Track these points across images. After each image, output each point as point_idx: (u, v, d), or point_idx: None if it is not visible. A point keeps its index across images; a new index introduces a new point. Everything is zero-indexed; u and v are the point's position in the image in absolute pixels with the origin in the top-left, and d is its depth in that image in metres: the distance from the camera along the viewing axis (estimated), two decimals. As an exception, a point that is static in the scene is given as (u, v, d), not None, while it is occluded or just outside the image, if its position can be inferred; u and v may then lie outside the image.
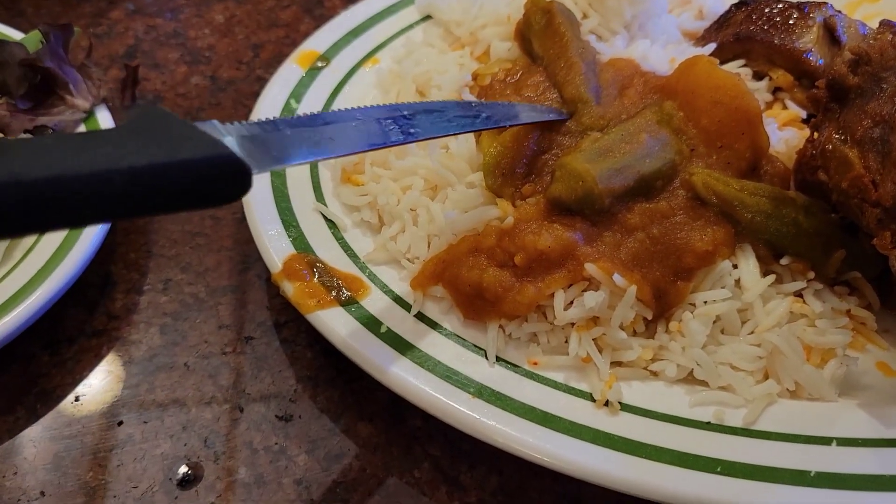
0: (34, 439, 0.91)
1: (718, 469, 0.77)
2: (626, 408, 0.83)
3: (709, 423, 0.82)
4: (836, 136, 0.89)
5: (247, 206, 1.01)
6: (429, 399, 0.82)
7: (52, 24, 1.16)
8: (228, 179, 0.56)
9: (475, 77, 1.10)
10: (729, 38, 1.17)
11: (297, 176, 1.07)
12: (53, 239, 1.00)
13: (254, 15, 1.62)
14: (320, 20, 1.53)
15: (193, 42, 1.55)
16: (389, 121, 0.81)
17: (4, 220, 0.46)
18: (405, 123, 0.82)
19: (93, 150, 0.50)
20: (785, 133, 1.04)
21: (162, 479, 0.87)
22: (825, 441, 0.80)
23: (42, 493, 0.86)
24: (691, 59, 0.98)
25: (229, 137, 0.61)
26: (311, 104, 1.17)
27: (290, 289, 0.92)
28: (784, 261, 0.91)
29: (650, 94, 1.01)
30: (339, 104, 1.19)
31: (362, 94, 1.21)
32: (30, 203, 0.46)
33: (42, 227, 0.49)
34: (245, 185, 0.57)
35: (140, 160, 0.50)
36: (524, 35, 1.12)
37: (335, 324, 0.89)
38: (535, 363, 0.87)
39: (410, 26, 1.33)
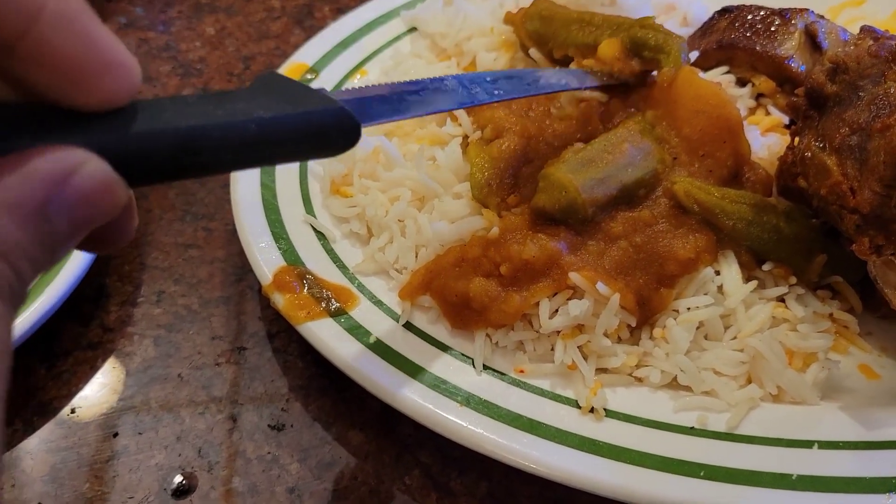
0: (31, 451, 0.92)
1: (701, 473, 0.78)
2: (611, 414, 0.85)
3: (692, 427, 0.83)
4: (816, 144, 0.91)
5: (237, 219, 1.02)
6: (418, 408, 0.84)
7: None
8: (342, 129, 0.64)
9: (462, 88, 1.11)
10: (712, 45, 1.19)
11: (286, 188, 1.08)
12: (48, 253, 1.01)
13: (244, 27, 1.64)
14: (310, 31, 1.55)
15: (185, 55, 1.57)
16: (475, 84, 0.87)
17: (160, 164, 0.52)
18: (489, 87, 0.89)
19: (229, 104, 0.57)
20: (767, 139, 1.06)
21: (157, 489, 0.89)
22: (807, 444, 0.81)
23: (39, 505, 0.87)
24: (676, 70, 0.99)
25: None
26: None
27: (280, 301, 0.93)
28: (766, 266, 0.92)
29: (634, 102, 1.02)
30: (329, 116, 1.20)
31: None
32: (180, 148, 0.53)
33: (187, 172, 0.55)
34: (356, 135, 0.65)
35: (268, 112, 0.58)
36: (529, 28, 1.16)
37: (325, 335, 0.90)
38: (522, 371, 0.89)
39: (398, 38, 1.34)
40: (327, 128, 0.63)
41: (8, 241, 0.40)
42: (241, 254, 1.12)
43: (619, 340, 0.91)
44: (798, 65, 1.13)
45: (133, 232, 0.56)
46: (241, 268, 1.13)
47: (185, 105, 0.55)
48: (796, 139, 0.95)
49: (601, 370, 0.89)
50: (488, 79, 0.90)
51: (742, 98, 1.12)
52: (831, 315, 0.93)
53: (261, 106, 0.59)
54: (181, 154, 0.54)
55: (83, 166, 0.43)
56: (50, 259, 0.44)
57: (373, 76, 1.27)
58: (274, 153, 0.62)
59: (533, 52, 1.16)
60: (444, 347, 0.91)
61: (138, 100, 0.52)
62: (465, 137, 1.07)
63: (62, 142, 0.45)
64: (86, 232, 0.46)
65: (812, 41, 1.16)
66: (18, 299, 0.43)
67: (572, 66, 1.10)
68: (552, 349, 0.89)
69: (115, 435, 0.94)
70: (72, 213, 0.43)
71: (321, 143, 0.64)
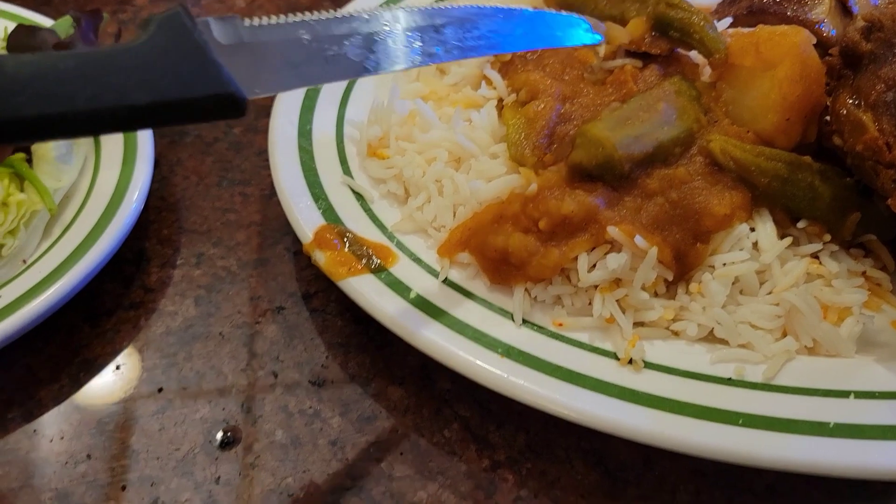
0: (79, 406, 0.94)
1: (740, 421, 0.79)
2: (649, 365, 0.86)
3: (730, 378, 0.85)
4: (850, 101, 0.91)
5: (276, 181, 1.04)
6: (459, 360, 0.85)
7: (82, 10, 1.19)
8: (226, 110, 0.61)
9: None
10: (742, 11, 1.19)
11: (324, 151, 1.10)
12: (90, 217, 1.03)
13: (274, 0, 1.65)
14: (339, 4, 1.56)
15: (216, 27, 1.58)
16: (417, 34, 0.78)
17: (14, 135, 0.53)
18: (432, 39, 0.79)
19: (104, 79, 0.54)
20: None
21: (202, 441, 0.91)
22: (843, 394, 0.83)
23: (88, 456, 0.89)
24: (791, 29, 0.98)
25: (233, 47, 0.64)
26: (332, 86, 1.19)
27: (321, 258, 0.95)
28: (801, 224, 0.93)
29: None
30: (360, 88, 1.20)
31: (383, 76, 1.23)
32: (36, 131, 0.53)
33: (45, 140, 0.58)
34: (240, 113, 0.62)
35: (144, 97, 0.56)
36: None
37: (366, 290, 0.92)
38: (561, 324, 0.90)
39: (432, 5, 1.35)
40: (210, 109, 0.61)
41: None
42: (278, 218, 1.15)
43: (656, 295, 0.92)
44: (829, 29, 1.13)
45: None
46: (278, 231, 1.15)
47: (51, 79, 0.53)
48: (829, 99, 0.96)
49: (638, 324, 0.90)
50: (438, 21, 0.80)
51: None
52: (864, 273, 0.94)
53: (139, 85, 0.56)
54: (37, 132, 0.54)
55: None
56: None
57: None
58: (144, 126, 0.61)
59: None
60: (483, 302, 0.92)
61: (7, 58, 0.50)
62: (500, 100, 1.08)
63: None
64: None
65: (842, 6, 1.16)
66: None
67: None
68: (590, 303, 0.91)
69: (160, 390, 0.96)
70: None
71: (200, 118, 0.62)
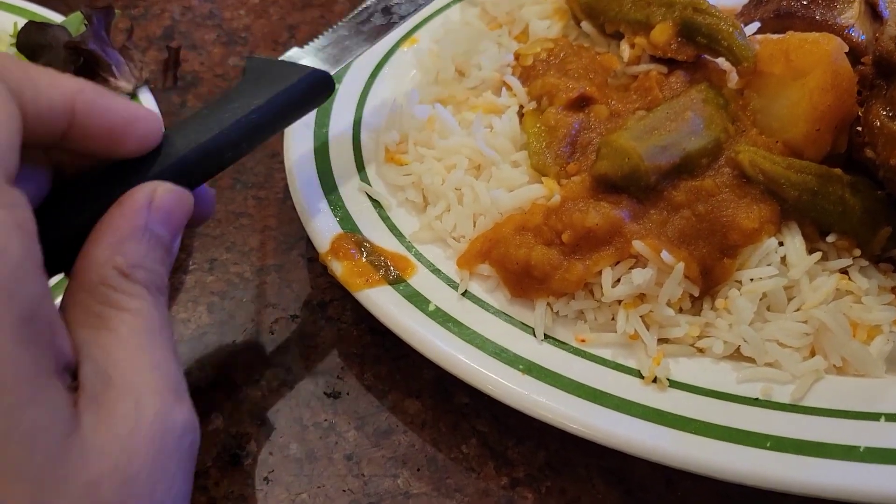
0: (89, 416, 0.93)
1: (768, 444, 0.77)
2: (674, 384, 0.84)
3: (757, 399, 0.82)
4: (884, 113, 0.89)
5: (292, 188, 1.02)
6: (479, 376, 0.83)
7: (93, 6, 1.17)
8: (319, 85, 0.86)
9: (517, 57, 1.10)
10: (769, 14, 1.16)
11: (339, 157, 1.07)
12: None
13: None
14: (355, 1, 1.53)
15: (229, 23, 1.56)
16: None
17: (201, 170, 0.72)
18: None
19: (230, 105, 0.75)
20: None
21: (215, 454, 0.89)
22: (874, 417, 0.80)
23: (100, 468, 0.88)
24: (822, 37, 0.95)
25: (310, 57, 0.91)
26: (351, 83, 1.17)
27: (338, 268, 0.93)
28: (830, 238, 0.91)
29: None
30: (379, 83, 1.19)
31: (402, 73, 1.22)
32: (209, 155, 0.72)
33: (223, 166, 0.76)
34: (331, 86, 0.88)
35: (261, 99, 0.77)
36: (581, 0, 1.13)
37: (384, 302, 0.90)
38: (583, 340, 0.88)
39: (448, 6, 1.32)
40: (308, 89, 0.83)
41: (138, 255, 0.59)
42: (292, 222, 1.13)
43: (681, 311, 0.90)
44: (858, 34, 1.10)
45: (211, 211, 0.81)
46: (293, 236, 1.13)
47: (200, 120, 0.72)
48: (862, 110, 0.94)
49: (662, 340, 0.88)
50: None
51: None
52: (894, 289, 0.92)
53: (253, 96, 0.76)
54: (212, 158, 0.72)
55: (156, 191, 0.62)
56: (169, 256, 0.64)
57: (423, 44, 1.25)
58: (277, 126, 0.82)
59: (585, 25, 1.14)
60: (503, 316, 0.90)
61: (168, 129, 0.68)
62: (521, 107, 1.05)
63: (131, 182, 0.63)
64: (181, 229, 0.66)
65: (873, 10, 1.13)
66: (164, 289, 0.63)
67: (623, 43, 1.08)
68: (613, 318, 0.89)
69: (172, 400, 0.94)
70: (165, 221, 0.62)
71: (308, 102, 0.85)
